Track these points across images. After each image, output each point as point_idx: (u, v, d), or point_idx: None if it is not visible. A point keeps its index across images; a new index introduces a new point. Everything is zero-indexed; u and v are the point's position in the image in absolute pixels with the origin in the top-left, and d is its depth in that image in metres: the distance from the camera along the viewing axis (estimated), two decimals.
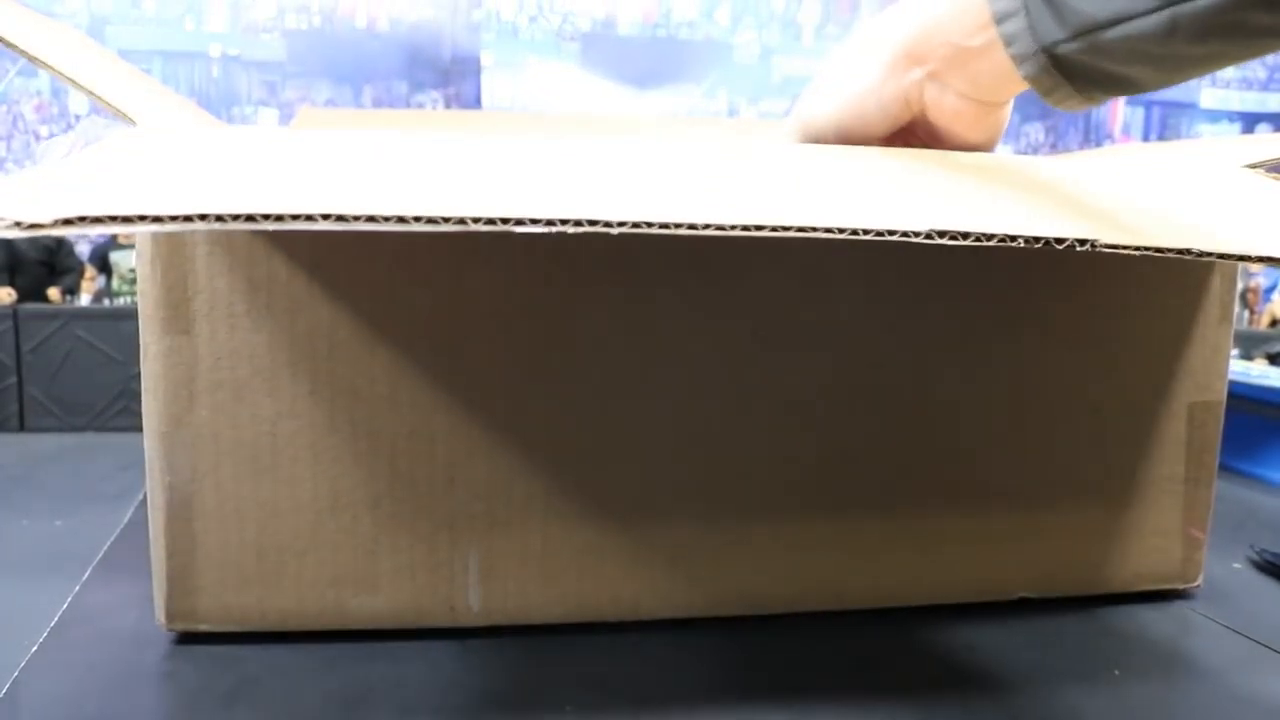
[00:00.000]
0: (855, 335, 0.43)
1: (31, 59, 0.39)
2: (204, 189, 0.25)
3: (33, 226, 0.20)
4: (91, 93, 0.39)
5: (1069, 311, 0.45)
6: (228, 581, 0.41)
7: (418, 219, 0.22)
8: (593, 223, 0.23)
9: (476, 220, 0.22)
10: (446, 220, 0.22)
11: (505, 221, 0.22)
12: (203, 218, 0.22)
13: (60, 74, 0.39)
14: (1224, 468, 0.49)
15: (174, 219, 0.21)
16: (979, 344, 0.44)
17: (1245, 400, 0.74)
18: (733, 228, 0.24)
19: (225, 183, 0.27)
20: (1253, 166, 0.39)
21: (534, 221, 0.22)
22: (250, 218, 0.22)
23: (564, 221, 0.23)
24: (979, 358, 0.44)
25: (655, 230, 0.23)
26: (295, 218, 0.22)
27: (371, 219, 0.22)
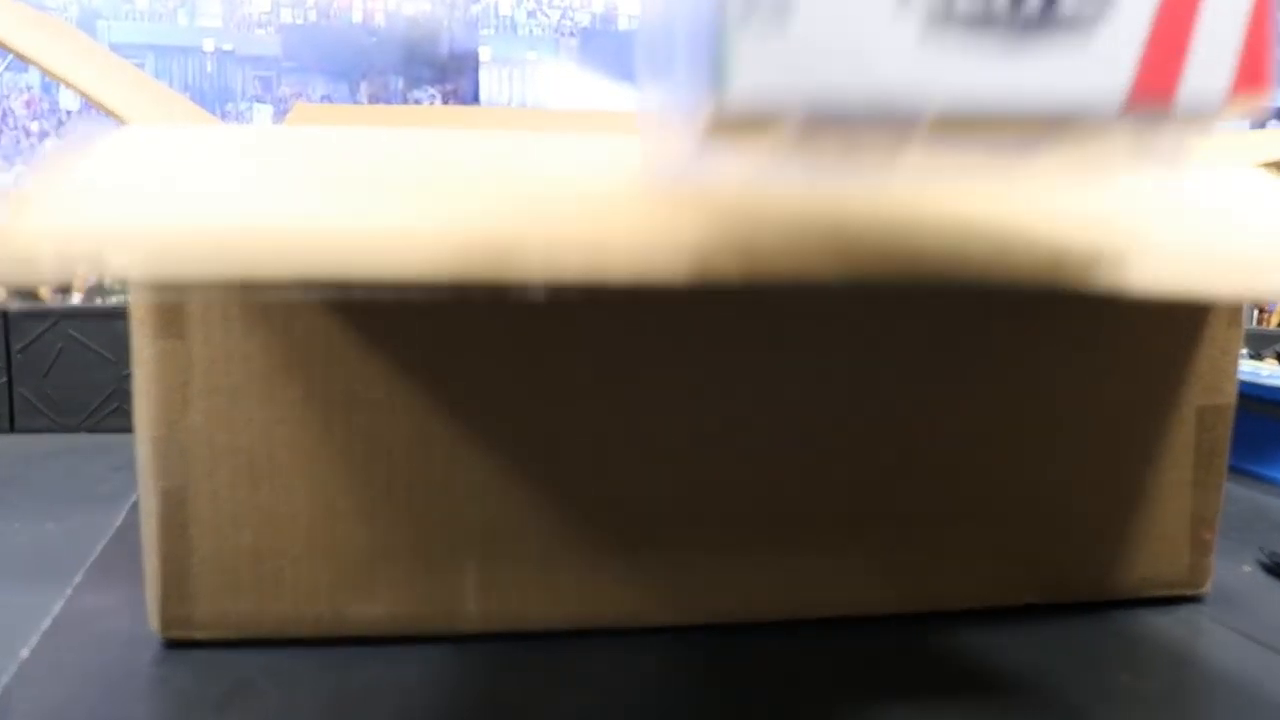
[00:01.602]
0: (857, 338, 0.42)
1: (20, 55, 0.38)
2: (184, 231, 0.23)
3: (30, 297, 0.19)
4: (82, 90, 0.38)
5: (1075, 314, 0.44)
6: (223, 588, 0.40)
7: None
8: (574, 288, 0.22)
9: (474, 284, 0.21)
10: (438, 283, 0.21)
11: (504, 288, 0.21)
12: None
13: (50, 71, 0.38)
14: (1232, 469, 0.48)
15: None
16: (984, 346, 0.44)
17: (1255, 401, 0.74)
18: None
19: (208, 222, 0.24)
20: (1268, 165, 0.39)
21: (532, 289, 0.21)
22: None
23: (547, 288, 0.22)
24: (984, 360, 0.44)
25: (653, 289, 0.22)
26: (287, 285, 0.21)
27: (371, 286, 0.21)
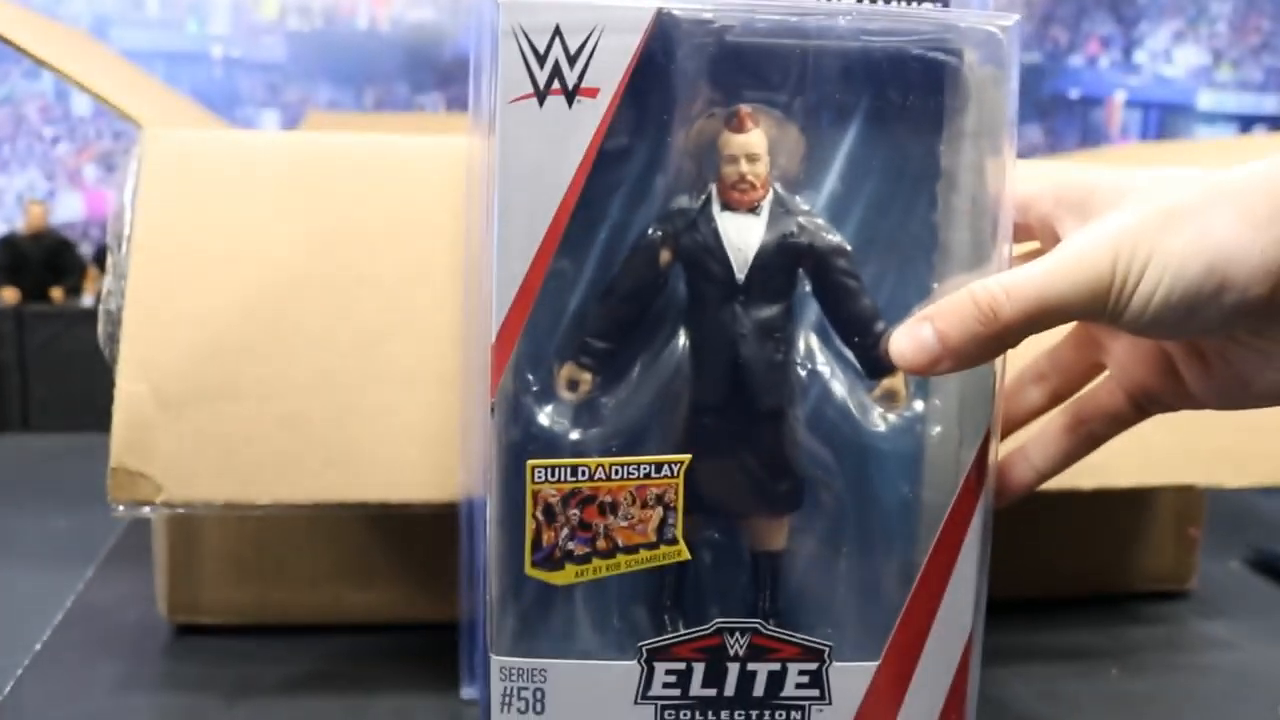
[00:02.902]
0: None
1: (39, 62, 0.39)
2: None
3: None
4: (97, 95, 0.39)
5: None
6: (228, 575, 0.42)
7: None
8: None
9: None
10: None
11: None
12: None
13: (67, 76, 0.40)
14: None
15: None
16: None
17: None
18: None
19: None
20: None
21: None
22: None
23: None
24: None
25: None
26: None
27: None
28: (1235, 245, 0.23)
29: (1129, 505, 0.48)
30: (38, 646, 0.40)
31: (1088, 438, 0.31)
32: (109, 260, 0.38)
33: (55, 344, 0.85)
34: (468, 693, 0.33)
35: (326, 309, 0.36)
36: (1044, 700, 0.38)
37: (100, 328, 0.38)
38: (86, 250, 1.36)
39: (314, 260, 0.36)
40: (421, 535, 0.41)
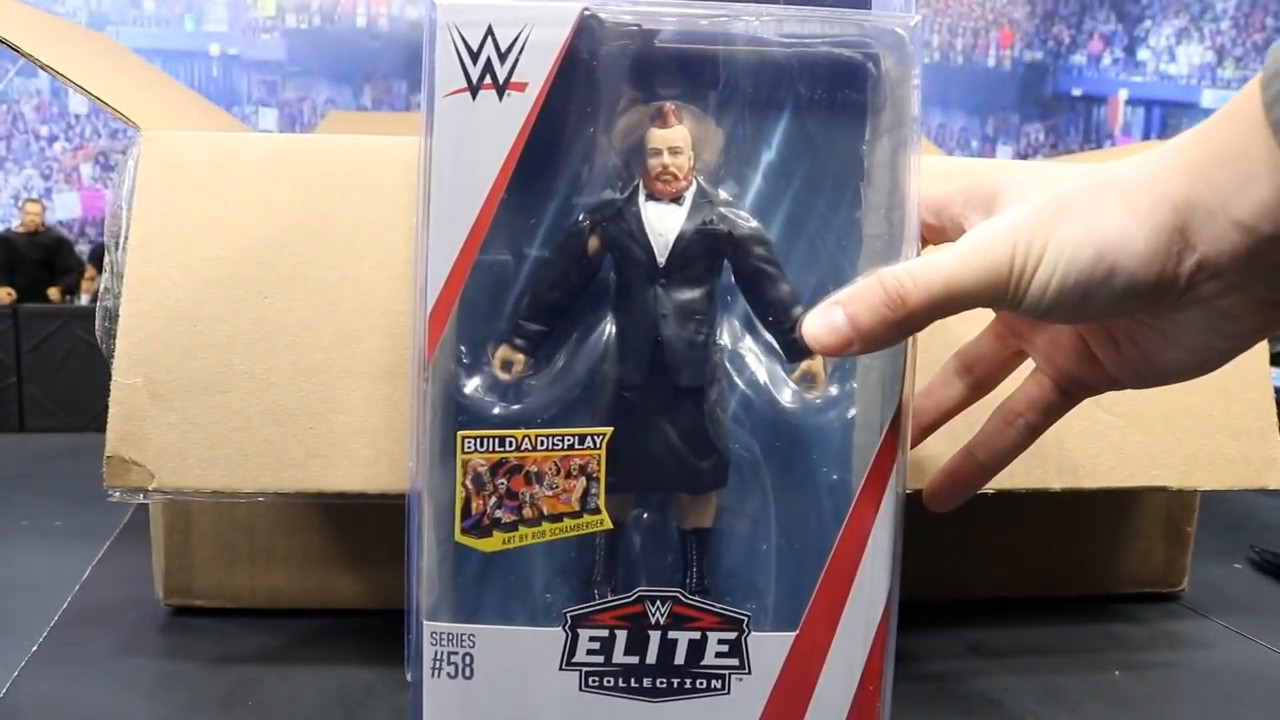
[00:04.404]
0: None
1: (34, 61, 0.39)
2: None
3: None
4: (93, 95, 0.39)
5: None
6: (221, 559, 0.43)
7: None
8: None
9: None
10: None
11: None
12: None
13: (61, 76, 0.39)
14: None
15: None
16: None
17: None
18: None
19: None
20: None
21: None
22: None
23: None
24: None
25: None
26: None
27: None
28: (1120, 233, 0.25)
29: (1118, 507, 0.48)
30: (33, 650, 0.40)
31: (1025, 429, 0.32)
32: (106, 259, 0.38)
33: (51, 343, 0.84)
34: (411, 675, 0.33)
35: (310, 307, 0.36)
36: (1044, 701, 0.38)
37: (98, 324, 0.39)
38: (83, 249, 1.35)
39: (300, 260, 0.37)
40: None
